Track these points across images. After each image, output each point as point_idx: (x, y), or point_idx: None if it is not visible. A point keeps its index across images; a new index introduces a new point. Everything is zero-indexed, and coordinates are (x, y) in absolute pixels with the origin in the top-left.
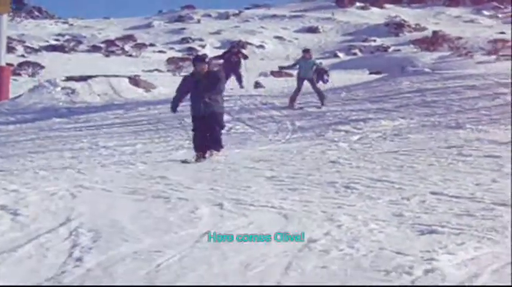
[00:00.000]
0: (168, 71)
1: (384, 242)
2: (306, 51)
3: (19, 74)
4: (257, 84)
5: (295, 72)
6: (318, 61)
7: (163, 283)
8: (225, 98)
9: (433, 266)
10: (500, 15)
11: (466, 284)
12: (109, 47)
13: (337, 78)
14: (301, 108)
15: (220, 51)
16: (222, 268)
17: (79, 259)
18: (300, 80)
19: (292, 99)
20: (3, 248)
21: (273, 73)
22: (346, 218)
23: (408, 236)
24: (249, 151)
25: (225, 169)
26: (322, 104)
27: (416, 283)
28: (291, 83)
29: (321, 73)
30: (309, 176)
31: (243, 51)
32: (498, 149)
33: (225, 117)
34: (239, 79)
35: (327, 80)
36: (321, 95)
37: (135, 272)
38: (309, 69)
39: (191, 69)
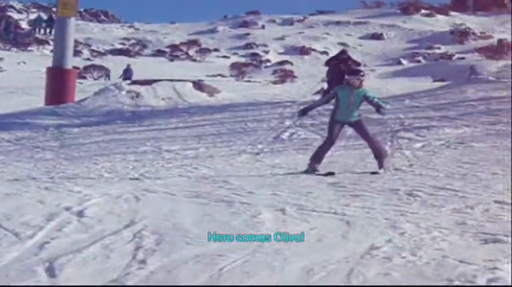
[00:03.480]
0: (232, 76)
1: (447, 251)
2: (353, 71)
3: (84, 77)
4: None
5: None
6: (370, 93)
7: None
8: (287, 103)
9: (496, 275)
10: None
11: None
12: (173, 52)
13: (400, 86)
14: (330, 173)
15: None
16: (283, 273)
17: (143, 261)
18: (336, 126)
19: (316, 158)
20: (69, 249)
21: None
22: (409, 226)
23: (471, 245)
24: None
25: (286, 174)
26: (381, 167)
27: None
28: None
29: (377, 108)
30: (371, 182)
31: (353, 57)
32: None
33: (287, 122)
34: None
35: (384, 113)
36: (378, 152)
37: (198, 275)
38: (355, 107)
39: (254, 74)
